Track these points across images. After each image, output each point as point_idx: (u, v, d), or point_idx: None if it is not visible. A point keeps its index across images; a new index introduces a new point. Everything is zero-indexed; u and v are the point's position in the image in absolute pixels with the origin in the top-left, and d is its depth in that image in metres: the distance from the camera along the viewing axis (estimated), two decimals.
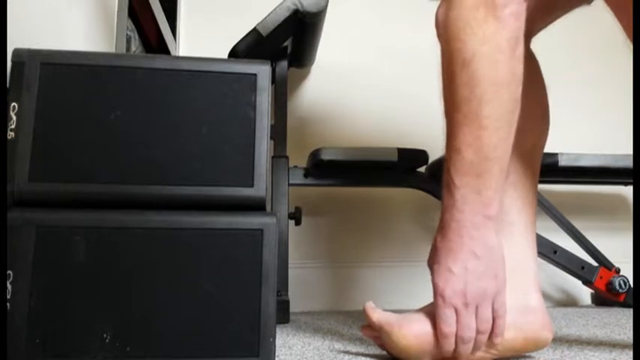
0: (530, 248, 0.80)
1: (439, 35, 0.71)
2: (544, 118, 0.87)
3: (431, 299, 0.74)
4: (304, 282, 1.73)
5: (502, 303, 0.69)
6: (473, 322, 0.67)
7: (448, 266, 0.68)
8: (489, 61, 0.66)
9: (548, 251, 1.55)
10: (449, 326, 0.68)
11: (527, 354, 0.78)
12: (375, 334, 0.75)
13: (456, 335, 0.68)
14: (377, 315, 0.74)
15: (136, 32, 1.39)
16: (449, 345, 0.68)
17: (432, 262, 0.70)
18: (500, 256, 0.69)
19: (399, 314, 0.74)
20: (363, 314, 0.76)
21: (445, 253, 0.68)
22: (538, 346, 0.75)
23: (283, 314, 1.25)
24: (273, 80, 1.48)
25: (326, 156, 1.45)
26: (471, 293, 0.67)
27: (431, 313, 0.71)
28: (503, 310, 0.69)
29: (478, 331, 0.68)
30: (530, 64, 0.84)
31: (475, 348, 0.69)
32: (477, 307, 0.67)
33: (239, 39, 1.39)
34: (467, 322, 0.67)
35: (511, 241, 0.76)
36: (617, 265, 1.62)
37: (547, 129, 0.88)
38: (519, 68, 0.68)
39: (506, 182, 0.73)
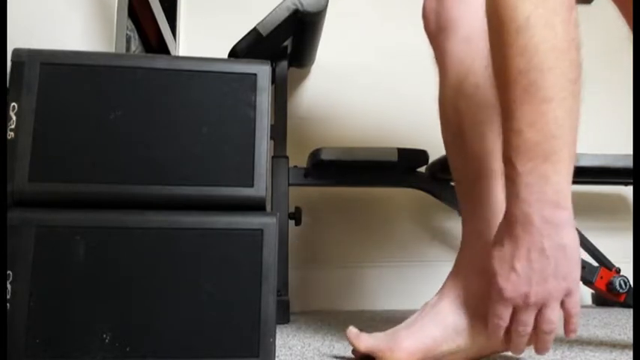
0: None
1: (488, 10, 0.64)
2: None
3: (430, 298, 0.74)
4: (304, 282, 1.73)
5: (575, 303, 0.63)
6: (531, 320, 0.63)
7: (512, 264, 0.61)
8: (545, 25, 0.59)
9: None
10: (501, 320, 0.64)
11: (526, 354, 0.78)
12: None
13: (511, 328, 0.64)
14: (364, 343, 0.71)
15: (135, 32, 1.39)
16: (497, 337, 0.65)
17: (493, 256, 0.64)
18: (575, 254, 0.61)
19: (385, 333, 0.72)
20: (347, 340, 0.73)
21: (510, 250, 0.62)
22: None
23: (283, 314, 1.25)
24: (273, 80, 1.48)
25: (326, 156, 1.45)
26: (535, 295, 0.61)
27: (417, 320, 0.70)
28: (576, 309, 0.63)
29: (544, 332, 0.64)
30: None
31: (542, 348, 0.65)
32: (541, 308, 0.63)
33: (239, 39, 1.39)
34: (525, 319, 0.63)
35: None
36: (617, 265, 1.62)
37: None
38: (577, 33, 0.61)
39: None
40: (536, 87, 0.59)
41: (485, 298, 0.68)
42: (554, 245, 0.60)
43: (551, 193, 0.60)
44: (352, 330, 0.73)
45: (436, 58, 0.85)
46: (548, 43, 0.59)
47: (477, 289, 0.70)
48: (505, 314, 0.64)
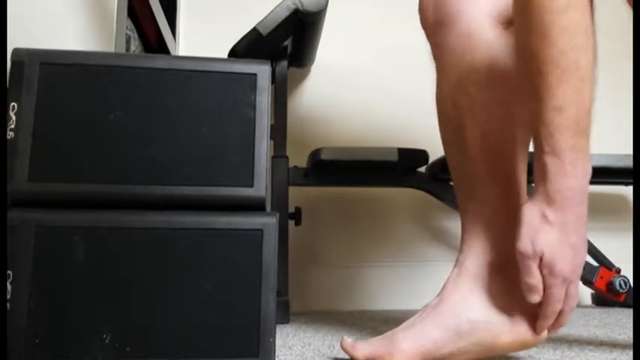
0: None
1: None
2: None
3: (431, 298, 0.74)
4: (304, 282, 1.73)
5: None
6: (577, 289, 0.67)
7: (569, 241, 0.64)
8: (582, 8, 0.63)
9: None
10: (561, 303, 0.66)
11: (526, 354, 0.78)
12: None
13: (565, 308, 0.66)
14: (361, 352, 0.70)
15: (135, 32, 1.39)
16: (552, 318, 0.67)
17: (544, 238, 0.64)
18: None
19: (382, 337, 0.71)
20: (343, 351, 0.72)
21: (563, 228, 0.64)
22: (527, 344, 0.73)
23: (283, 314, 1.25)
24: (273, 80, 1.48)
25: (326, 156, 1.45)
26: (582, 262, 0.66)
27: (417, 322, 0.70)
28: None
29: (574, 300, 0.67)
30: None
31: (565, 321, 0.68)
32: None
33: (239, 39, 1.39)
34: (575, 292, 0.66)
35: None
36: (617, 265, 1.61)
37: None
38: (593, 16, 0.66)
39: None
40: (575, 66, 0.62)
41: (496, 297, 0.68)
42: (586, 213, 0.66)
43: (587, 165, 0.65)
44: (347, 341, 0.72)
45: (434, 54, 0.84)
46: (583, 26, 0.63)
47: (481, 290, 0.70)
48: (562, 297, 0.65)
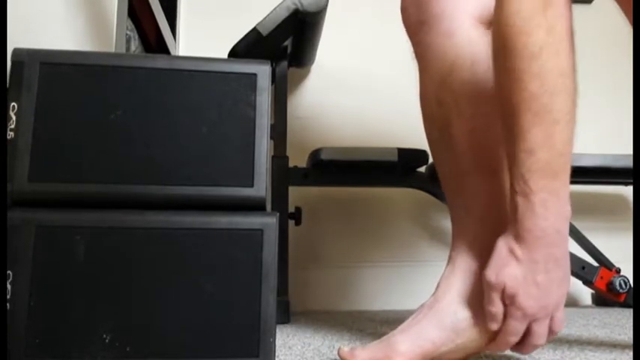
0: None
1: (498, 36, 0.66)
2: None
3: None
4: (304, 282, 1.73)
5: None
6: (546, 329, 0.66)
7: (534, 279, 0.64)
8: (555, 52, 0.63)
9: None
10: (517, 337, 0.66)
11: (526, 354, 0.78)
12: None
13: (527, 343, 0.67)
14: (359, 358, 0.69)
15: (135, 32, 1.39)
16: (504, 346, 0.68)
17: (508, 272, 0.65)
18: (568, 253, 0.67)
19: (380, 341, 0.71)
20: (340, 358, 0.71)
21: (528, 265, 0.64)
22: None
23: (283, 314, 1.25)
24: (273, 80, 1.48)
25: (326, 156, 1.45)
26: (554, 303, 0.65)
27: (414, 323, 0.70)
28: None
29: (552, 332, 0.67)
30: None
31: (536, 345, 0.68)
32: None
33: (239, 39, 1.39)
34: (542, 332, 0.66)
35: None
36: (617, 265, 1.62)
37: None
38: (575, 58, 0.65)
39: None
40: (546, 110, 0.63)
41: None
42: (563, 251, 0.65)
43: (561, 207, 0.64)
44: (344, 349, 0.71)
45: (416, 53, 0.84)
46: (557, 70, 0.63)
47: (475, 286, 0.70)
48: (522, 330, 0.66)
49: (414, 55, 0.85)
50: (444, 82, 0.77)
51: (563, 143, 0.63)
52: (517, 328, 0.65)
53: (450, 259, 0.75)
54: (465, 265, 0.72)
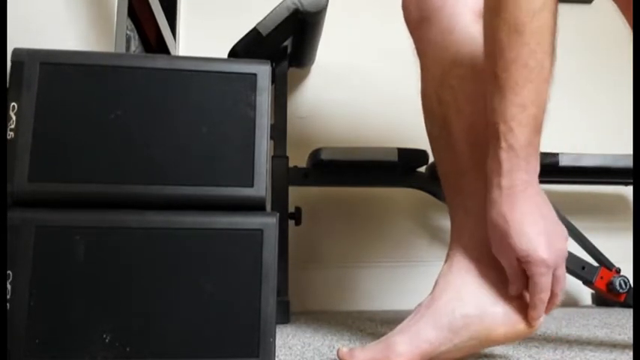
0: None
1: None
2: None
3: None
4: (304, 282, 1.73)
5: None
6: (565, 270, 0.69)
7: (537, 231, 0.65)
8: (552, 11, 0.65)
9: None
10: (547, 293, 0.67)
11: (526, 354, 0.78)
12: None
13: (555, 290, 0.68)
14: (359, 359, 0.69)
15: (135, 32, 1.39)
16: (541, 306, 0.68)
17: (510, 240, 0.65)
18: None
19: (379, 342, 0.71)
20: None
21: (525, 221, 0.65)
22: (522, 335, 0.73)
23: (283, 314, 1.25)
24: (273, 80, 1.48)
25: (326, 156, 1.45)
26: (565, 244, 0.67)
27: (412, 323, 0.70)
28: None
29: (561, 288, 0.69)
30: None
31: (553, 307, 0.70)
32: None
33: (239, 39, 1.39)
34: (562, 274, 0.68)
35: None
36: (617, 265, 1.62)
37: None
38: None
39: None
40: (541, 67, 0.65)
41: (487, 290, 0.69)
42: (545, 199, 0.68)
43: (537, 163, 0.67)
44: (343, 350, 0.71)
45: (417, 50, 0.84)
46: (552, 29, 0.65)
47: (473, 284, 0.70)
48: (550, 282, 0.67)
49: (415, 52, 0.85)
50: (445, 79, 0.77)
51: (547, 101, 0.66)
52: (545, 282, 0.66)
53: (448, 258, 0.75)
54: (462, 263, 0.72)
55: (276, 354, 0.74)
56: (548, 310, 0.69)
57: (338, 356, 0.70)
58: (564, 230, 0.68)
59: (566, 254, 0.68)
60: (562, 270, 0.68)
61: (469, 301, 0.70)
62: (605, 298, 1.65)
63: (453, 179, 0.78)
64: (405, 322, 0.72)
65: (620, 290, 1.56)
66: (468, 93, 0.75)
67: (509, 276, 0.68)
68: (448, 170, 0.79)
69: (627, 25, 0.76)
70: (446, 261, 0.75)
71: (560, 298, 0.69)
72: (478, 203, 0.73)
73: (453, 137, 0.76)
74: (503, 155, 0.66)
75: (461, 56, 0.76)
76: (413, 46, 0.85)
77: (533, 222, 0.66)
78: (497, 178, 0.67)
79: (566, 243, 0.68)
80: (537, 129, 0.66)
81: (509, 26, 0.65)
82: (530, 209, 0.66)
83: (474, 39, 0.75)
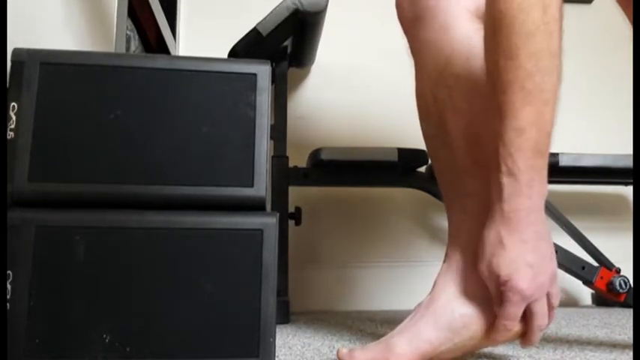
0: None
1: (494, 12, 0.66)
2: None
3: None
4: (304, 282, 1.73)
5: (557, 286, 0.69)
6: (546, 307, 0.67)
7: (526, 260, 0.64)
8: (549, 32, 0.63)
9: None
10: (516, 321, 0.66)
11: (526, 353, 0.78)
12: None
13: (532, 326, 0.67)
14: (358, 359, 0.69)
15: (135, 32, 1.40)
16: (504, 333, 0.67)
17: (496, 262, 0.65)
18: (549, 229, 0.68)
19: (378, 342, 0.71)
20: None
21: (519, 249, 0.64)
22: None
23: (283, 315, 1.25)
24: (273, 80, 1.48)
25: (326, 156, 1.45)
26: (548, 279, 0.66)
27: (411, 324, 0.70)
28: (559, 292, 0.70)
29: (551, 308, 0.68)
30: None
31: (539, 335, 0.69)
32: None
33: (239, 39, 1.39)
34: (543, 310, 0.67)
35: None
36: (617, 265, 1.62)
37: None
38: (562, 42, 0.66)
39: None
40: (539, 89, 0.63)
41: (486, 289, 0.68)
42: (546, 229, 0.66)
43: (542, 186, 0.65)
44: (342, 351, 0.71)
45: (411, 49, 0.84)
46: (550, 50, 0.64)
47: (472, 283, 0.70)
48: (520, 314, 0.66)
49: (409, 51, 0.85)
50: (440, 78, 0.76)
51: (551, 123, 0.64)
52: (514, 312, 0.65)
53: (447, 257, 0.75)
54: (461, 262, 0.72)
55: (276, 354, 0.74)
56: (525, 343, 0.69)
57: (338, 357, 0.70)
58: (553, 267, 0.67)
59: (547, 289, 0.66)
60: (540, 306, 0.66)
61: (468, 300, 0.69)
62: (605, 298, 1.65)
63: (450, 178, 0.78)
64: (404, 323, 0.72)
65: (620, 290, 1.56)
66: (465, 91, 0.74)
67: (492, 292, 0.67)
68: (445, 169, 0.79)
69: (628, 22, 0.76)
70: (444, 260, 0.75)
71: (536, 336, 0.68)
72: (476, 202, 0.73)
73: (449, 136, 0.76)
74: (504, 180, 0.65)
75: (456, 55, 0.75)
76: (407, 45, 0.85)
77: (526, 251, 0.64)
78: (499, 203, 0.65)
79: (550, 278, 0.66)
80: (539, 153, 0.64)
81: (503, 49, 0.64)
82: (528, 237, 0.65)
83: (469, 37, 0.75)
